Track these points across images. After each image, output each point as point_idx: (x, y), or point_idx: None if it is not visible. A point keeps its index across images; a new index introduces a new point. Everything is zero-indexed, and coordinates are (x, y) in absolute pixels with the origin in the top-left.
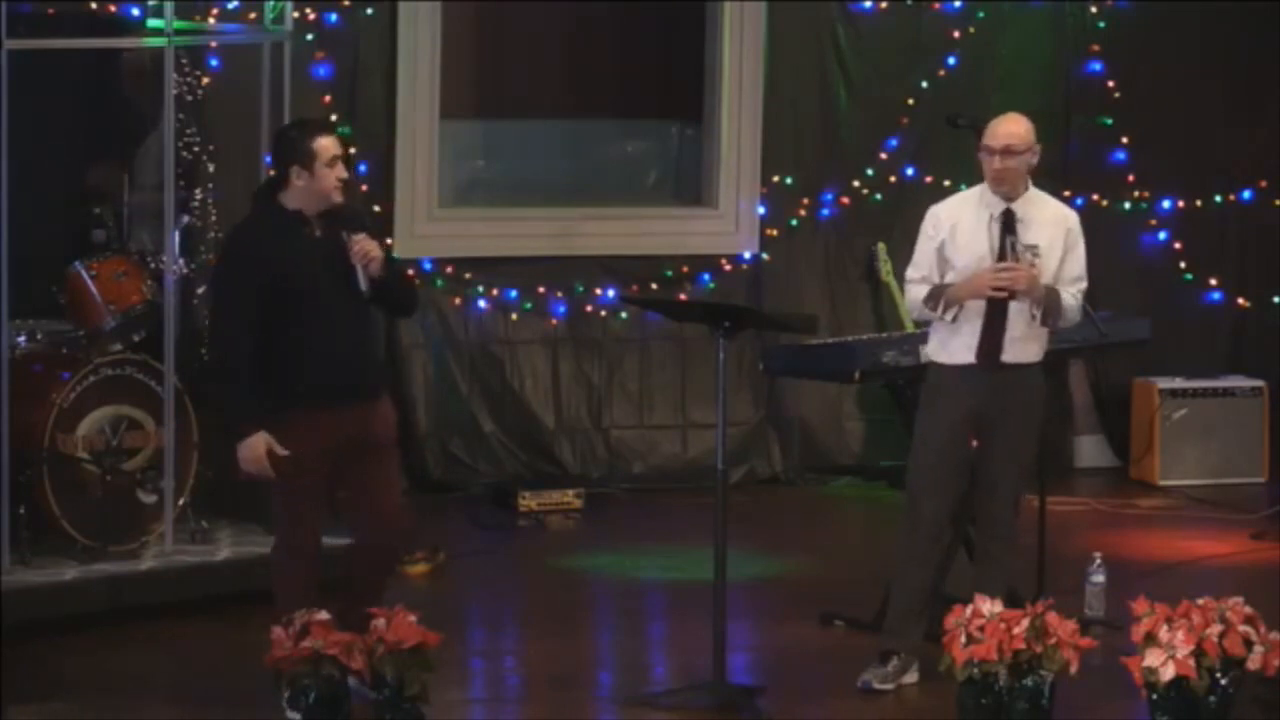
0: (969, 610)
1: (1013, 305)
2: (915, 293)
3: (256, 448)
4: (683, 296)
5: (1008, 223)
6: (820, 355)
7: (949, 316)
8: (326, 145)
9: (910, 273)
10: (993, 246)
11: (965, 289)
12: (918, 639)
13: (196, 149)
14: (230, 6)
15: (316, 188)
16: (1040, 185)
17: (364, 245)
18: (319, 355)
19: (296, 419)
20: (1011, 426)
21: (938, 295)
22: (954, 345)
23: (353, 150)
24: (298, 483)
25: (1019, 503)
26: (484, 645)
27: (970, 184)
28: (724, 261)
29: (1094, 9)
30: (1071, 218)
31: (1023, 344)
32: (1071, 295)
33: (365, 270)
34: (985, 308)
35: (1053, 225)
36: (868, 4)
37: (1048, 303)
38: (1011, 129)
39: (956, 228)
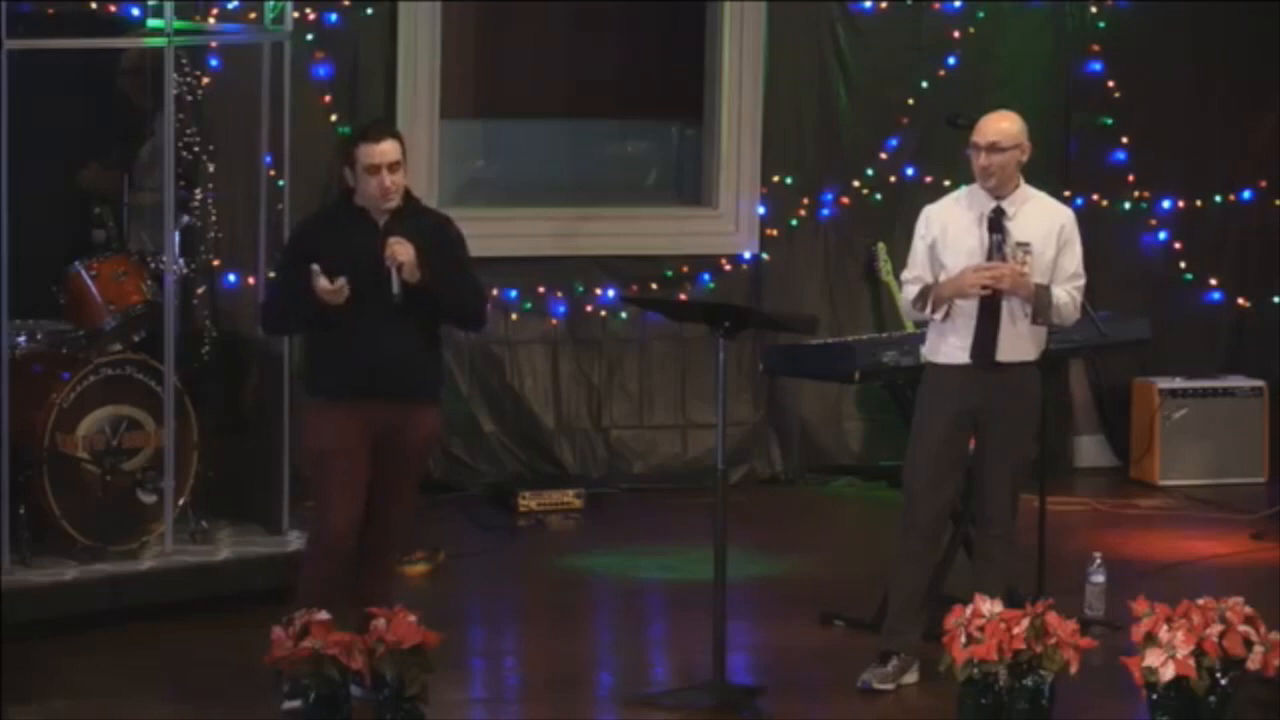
0: (969, 610)
1: (1005, 304)
2: (907, 293)
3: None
4: (683, 296)
5: (995, 220)
6: (820, 355)
7: (938, 315)
8: (363, 154)
9: (905, 274)
10: (983, 245)
11: (949, 287)
12: (916, 639)
13: (196, 149)
14: (230, 6)
15: (361, 191)
16: (1040, 185)
17: (393, 248)
18: (343, 349)
19: (320, 408)
20: (1008, 426)
21: (926, 294)
22: (948, 345)
23: None
24: (326, 474)
25: (1017, 502)
26: (484, 645)
27: (970, 184)
28: (724, 261)
29: (1094, 9)
30: (1064, 214)
31: (1017, 343)
32: (1068, 293)
33: (398, 274)
34: (978, 307)
35: (1044, 222)
36: (868, 4)
37: (1039, 301)
38: (999, 125)
39: (947, 227)
